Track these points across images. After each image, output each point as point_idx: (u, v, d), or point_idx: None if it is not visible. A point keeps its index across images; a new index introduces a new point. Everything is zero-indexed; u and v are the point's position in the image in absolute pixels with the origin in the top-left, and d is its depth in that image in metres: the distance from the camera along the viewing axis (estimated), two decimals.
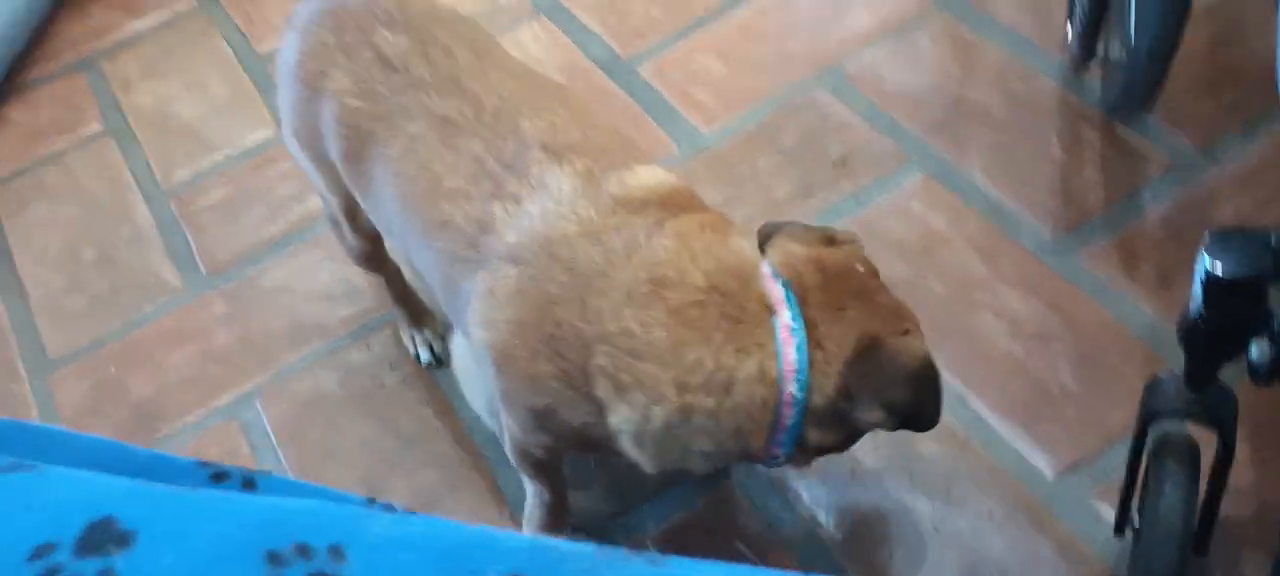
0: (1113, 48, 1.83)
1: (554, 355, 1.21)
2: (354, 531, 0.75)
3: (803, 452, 1.26)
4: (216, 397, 1.92)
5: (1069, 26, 1.95)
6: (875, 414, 1.19)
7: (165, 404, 1.93)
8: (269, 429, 1.85)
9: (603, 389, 1.19)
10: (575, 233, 1.23)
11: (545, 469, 1.47)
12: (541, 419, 1.28)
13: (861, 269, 1.25)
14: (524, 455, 1.44)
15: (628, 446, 1.23)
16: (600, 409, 1.20)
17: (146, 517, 0.77)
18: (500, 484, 1.69)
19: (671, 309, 1.16)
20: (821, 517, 1.56)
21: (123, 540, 0.75)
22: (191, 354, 1.99)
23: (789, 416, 1.17)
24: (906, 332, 1.22)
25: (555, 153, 1.28)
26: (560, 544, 0.76)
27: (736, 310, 1.16)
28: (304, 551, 0.74)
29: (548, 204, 1.25)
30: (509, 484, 1.67)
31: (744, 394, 1.16)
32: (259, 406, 1.89)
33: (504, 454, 1.71)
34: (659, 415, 1.18)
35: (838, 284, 1.20)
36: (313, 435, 1.84)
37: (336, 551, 0.74)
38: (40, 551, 0.76)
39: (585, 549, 0.76)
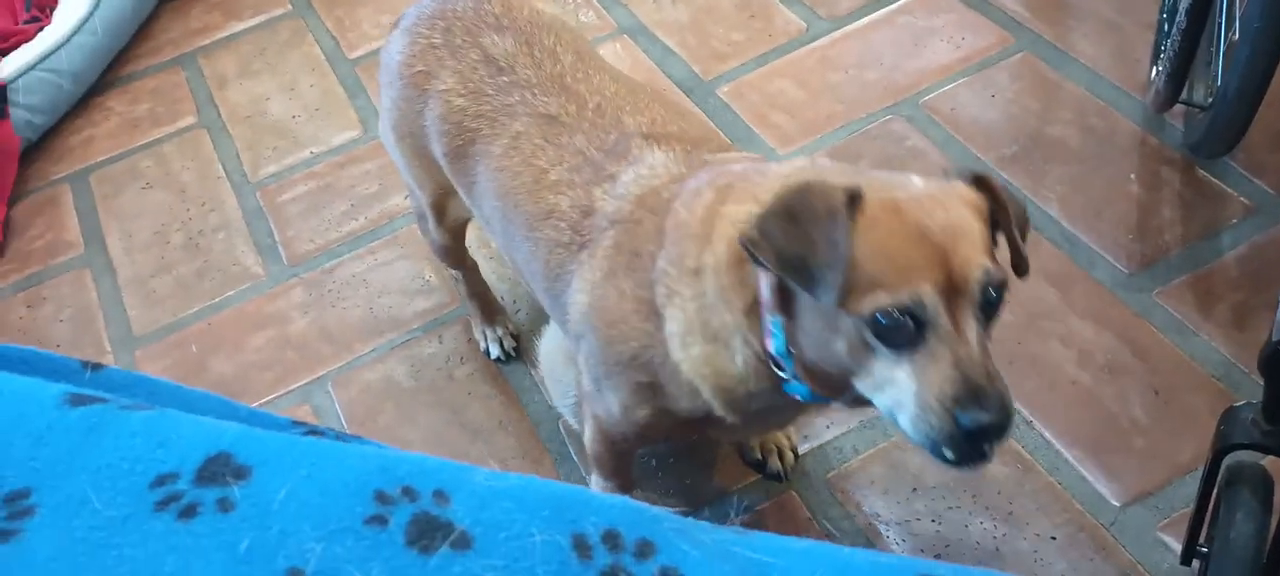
0: (1197, 91, 1.84)
1: (635, 289, 1.25)
2: (458, 479, 0.79)
3: (810, 376, 1.17)
4: (291, 381, 1.98)
5: (1155, 68, 1.96)
6: (764, 251, 1.07)
7: (242, 384, 1.99)
8: (340, 413, 1.91)
9: (660, 297, 1.23)
10: (663, 184, 1.28)
11: (622, 466, 1.50)
12: (632, 375, 1.31)
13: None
14: (609, 446, 1.46)
15: (676, 350, 1.24)
16: (661, 325, 1.24)
17: (262, 456, 0.82)
18: (563, 477, 1.72)
19: (696, 234, 1.21)
20: (882, 529, 1.57)
21: (240, 473, 0.80)
22: (270, 338, 2.06)
23: (763, 288, 1.16)
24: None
25: (655, 138, 1.34)
26: (652, 506, 0.79)
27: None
28: (410, 493, 0.78)
29: (643, 170, 1.30)
30: (572, 478, 1.70)
31: (733, 275, 1.18)
32: (331, 391, 1.94)
33: (568, 449, 1.75)
34: (686, 304, 1.22)
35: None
36: (382, 421, 1.89)
37: (441, 495, 0.78)
38: (162, 479, 0.81)
39: (675, 514, 0.79)
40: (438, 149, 1.52)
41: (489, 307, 1.94)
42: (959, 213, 1.06)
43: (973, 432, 1.01)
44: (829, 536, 1.58)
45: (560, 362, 1.60)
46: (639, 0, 2.58)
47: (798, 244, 1.04)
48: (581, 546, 0.73)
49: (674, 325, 1.23)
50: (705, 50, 2.40)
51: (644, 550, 0.74)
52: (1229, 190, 1.88)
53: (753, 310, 1.17)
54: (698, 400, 1.26)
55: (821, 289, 1.03)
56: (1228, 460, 1.27)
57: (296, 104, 2.53)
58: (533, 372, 1.89)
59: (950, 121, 2.11)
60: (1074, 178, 1.96)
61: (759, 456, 1.67)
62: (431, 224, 1.77)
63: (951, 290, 1.03)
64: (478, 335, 1.95)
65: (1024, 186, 1.96)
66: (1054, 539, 1.51)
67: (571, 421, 1.66)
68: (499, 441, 1.81)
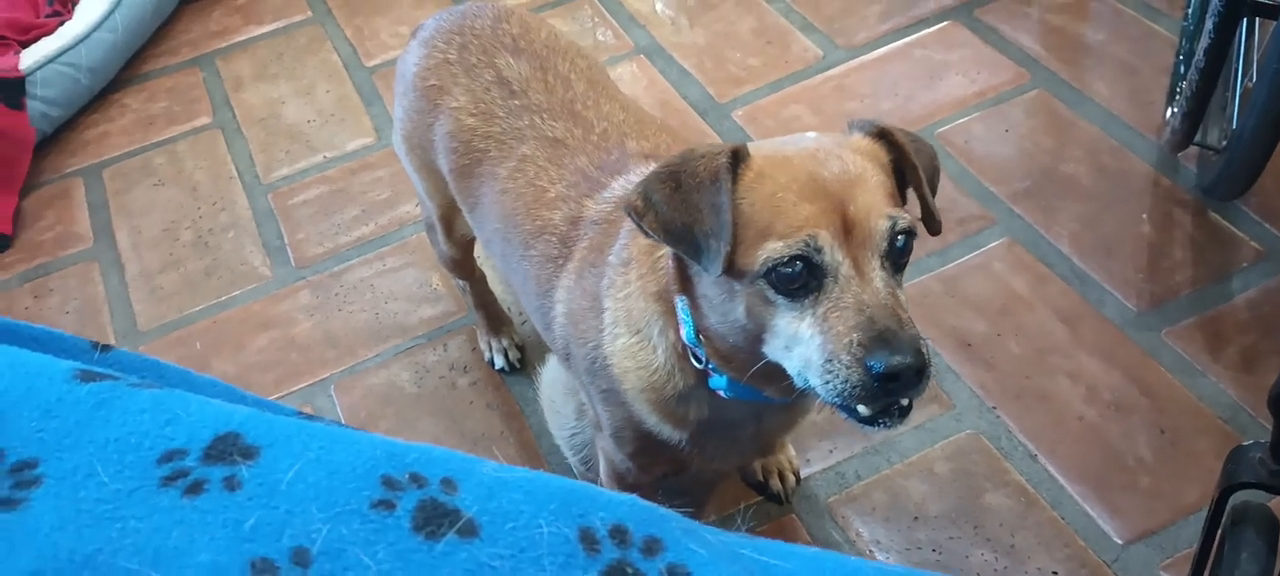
0: (1212, 134, 1.85)
1: (593, 286, 1.24)
2: (466, 468, 0.78)
3: (722, 359, 1.13)
4: (293, 383, 1.97)
5: (1170, 109, 1.96)
6: (649, 220, 1.05)
7: (244, 384, 1.99)
8: (341, 417, 1.90)
9: (603, 289, 1.22)
10: None
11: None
12: (601, 382, 1.29)
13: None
14: (618, 481, 1.46)
15: (607, 343, 1.23)
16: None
17: (270, 437, 0.81)
18: None
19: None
20: (882, 557, 1.55)
21: (248, 453, 0.79)
22: (274, 339, 2.05)
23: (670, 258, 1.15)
24: None
25: (654, 157, 1.34)
26: (660, 506, 0.78)
27: None
28: (417, 480, 0.77)
29: (633, 178, 1.30)
30: None
31: (648, 259, 1.19)
32: (334, 394, 1.94)
33: (567, 463, 1.74)
34: (617, 294, 1.21)
35: None
36: (383, 426, 1.88)
37: (449, 483, 0.77)
38: (169, 455, 0.81)
39: (682, 514, 0.78)
40: (445, 165, 1.51)
41: (495, 318, 1.94)
42: (855, 161, 1.03)
43: (886, 379, 0.95)
44: None
45: (560, 394, 1.59)
46: (657, 22, 2.60)
47: (682, 212, 1.02)
48: (589, 540, 0.73)
49: (607, 315, 1.22)
50: (721, 74, 2.41)
51: (651, 547, 0.74)
52: (1240, 234, 1.88)
53: (665, 296, 1.16)
54: (637, 410, 1.24)
55: (707, 258, 1.01)
56: (1233, 499, 1.26)
57: (312, 109, 2.54)
58: (535, 384, 1.89)
59: (964, 154, 2.12)
60: (1086, 215, 1.96)
61: (761, 478, 1.66)
62: (439, 235, 1.77)
63: (850, 236, 0.99)
64: (483, 345, 1.95)
65: (1036, 222, 1.96)
66: (1055, 574, 1.50)
67: (568, 456, 1.64)
68: (500, 451, 1.81)
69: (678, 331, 1.16)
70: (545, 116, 1.40)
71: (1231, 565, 1.23)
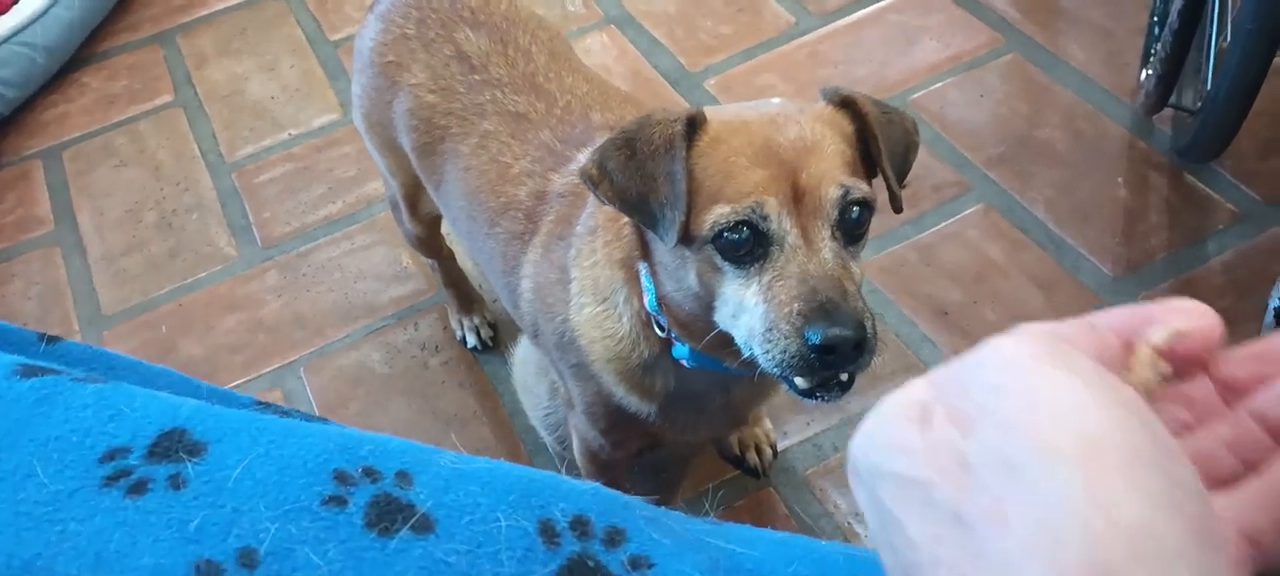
0: (1187, 95, 1.83)
1: (560, 258, 1.22)
2: (422, 460, 0.75)
3: (681, 326, 1.12)
4: (262, 365, 1.94)
5: (1144, 72, 1.94)
6: (604, 188, 1.03)
7: (212, 366, 1.95)
8: (312, 398, 1.87)
9: (570, 259, 1.21)
10: None
11: (611, 484, 1.47)
12: (570, 356, 1.27)
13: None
14: (592, 458, 1.44)
15: (574, 314, 1.21)
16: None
17: (218, 432, 0.78)
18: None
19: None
20: (860, 528, 1.54)
21: (194, 450, 0.76)
22: (242, 321, 2.02)
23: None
24: None
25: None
26: (624, 494, 0.76)
27: None
28: (371, 474, 0.75)
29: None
30: (546, 469, 1.67)
31: (613, 227, 1.18)
32: (303, 376, 1.91)
33: (542, 442, 1.72)
34: (583, 263, 1.19)
35: None
36: (354, 408, 1.85)
37: (404, 476, 0.74)
38: (112, 453, 0.78)
39: (647, 502, 0.76)
40: (407, 143, 1.48)
41: (466, 297, 1.91)
42: (814, 129, 1.00)
43: (823, 351, 0.93)
44: (806, 531, 1.55)
45: (532, 375, 1.56)
46: None
47: (637, 180, 1.00)
48: (548, 532, 0.71)
49: (574, 286, 1.20)
50: (692, 43, 2.37)
51: (613, 538, 0.71)
52: (1216, 197, 1.87)
53: (630, 263, 1.14)
54: (605, 381, 1.22)
55: (662, 227, 0.99)
56: None
57: (276, 85, 2.49)
58: (509, 363, 1.86)
59: (938, 120, 2.09)
60: (1061, 181, 1.94)
61: (737, 452, 1.64)
62: (404, 214, 1.73)
63: (801, 204, 0.97)
64: (454, 324, 1.92)
65: (1011, 188, 1.94)
66: None
67: (543, 436, 1.62)
68: (473, 431, 1.78)
69: (641, 299, 1.14)
70: (507, 91, 1.37)
71: None
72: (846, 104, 1.06)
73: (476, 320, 1.90)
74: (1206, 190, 1.88)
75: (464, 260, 1.93)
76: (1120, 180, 1.93)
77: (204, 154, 2.36)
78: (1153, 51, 1.90)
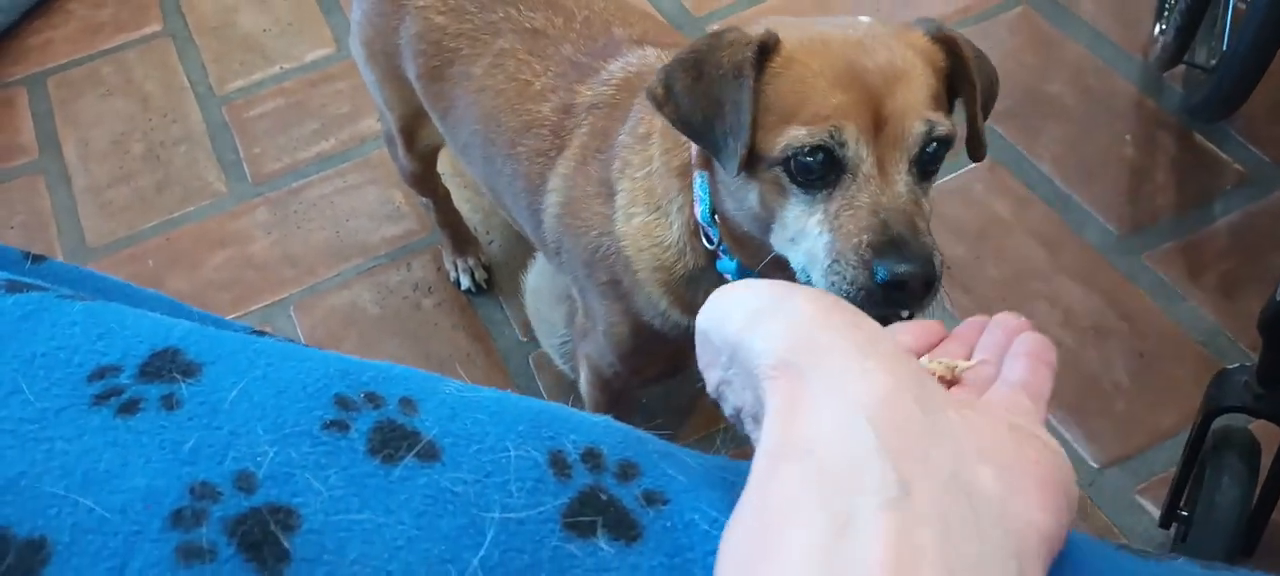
0: (1200, 54, 1.80)
1: (600, 171, 1.19)
2: (427, 388, 0.72)
3: (735, 242, 1.10)
4: (251, 302, 1.91)
5: (1158, 25, 1.91)
6: (668, 110, 1.00)
7: (200, 303, 1.87)
8: (302, 338, 1.84)
9: (614, 172, 1.17)
10: (651, 70, 1.20)
11: (620, 414, 1.44)
12: (599, 274, 1.24)
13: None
14: (603, 386, 1.41)
15: (619, 224, 1.18)
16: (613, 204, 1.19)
17: (213, 354, 0.75)
18: None
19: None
20: None
21: (188, 370, 0.73)
22: (230, 257, 1.98)
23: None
24: None
25: (645, 43, 1.27)
26: (636, 428, 0.73)
27: None
28: (374, 399, 0.71)
29: (631, 60, 1.24)
30: None
31: (671, 134, 1.13)
32: (293, 315, 1.87)
33: (537, 385, 1.70)
34: (634, 173, 1.17)
35: None
36: (345, 347, 1.82)
37: (408, 403, 0.71)
38: (101, 371, 0.74)
39: (660, 437, 0.73)
40: (412, 69, 1.43)
41: (460, 237, 1.87)
42: (905, 56, 0.95)
43: (891, 288, 0.89)
44: None
45: (547, 301, 1.53)
46: None
47: (703, 104, 0.95)
48: (559, 464, 0.68)
49: (622, 197, 1.16)
50: None
51: (626, 471, 0.68)
52: (1225, 157, 1.85)
53: (685, 172, 1.10)
54: (647, 294, 1.19)
55: (724, 155, 0.95)
56: (1216, 423, 1.24)
57: (267, 17, 2.43)
58: (504, 305, 1.83)
59: None
60: (1069, 137, 1.91)
61: None
62: (401, 149, 1.69)
63: (881, 134, 0.92)
64: (448, 265, 1.88)
65: (1018, 143, 1.92)
66: None
67: (559, 364, 1.59)
68: (465, 374, 1.75)
69: (693, 209, 1.10)
70: (521, 7, 1.33)
71: (1213, 487, 1.21)
72: (945, 40, 1.00)
73: (471, 261, 1.87)
74: (1215, 150, 1.86)
75: (459, 200, 1.89)
76: (1128, 138, 1.90)
77: (193, 85, 2.30)
78: (1168, 6, 1.86)
